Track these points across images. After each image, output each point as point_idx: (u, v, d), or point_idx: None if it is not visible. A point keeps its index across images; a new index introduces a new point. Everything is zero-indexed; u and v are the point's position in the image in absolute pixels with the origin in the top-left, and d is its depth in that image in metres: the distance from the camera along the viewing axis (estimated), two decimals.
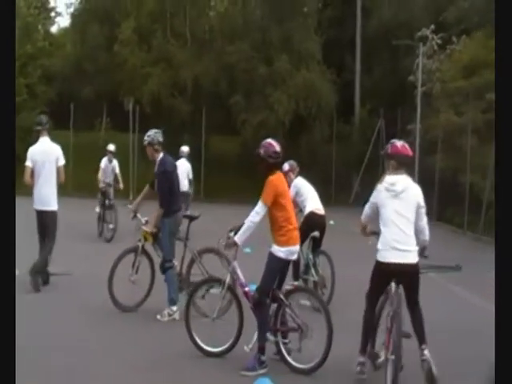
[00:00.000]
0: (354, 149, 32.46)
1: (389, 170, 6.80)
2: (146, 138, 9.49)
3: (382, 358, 6.60)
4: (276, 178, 7.11)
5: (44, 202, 10.79)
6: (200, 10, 34.57)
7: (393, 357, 6.16)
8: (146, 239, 9.41)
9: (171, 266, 9.16)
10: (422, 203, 6.66)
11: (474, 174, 20.28)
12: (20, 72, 31.87)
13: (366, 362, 6.80)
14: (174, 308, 9.04)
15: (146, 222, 9.40)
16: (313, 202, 10.26)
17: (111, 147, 17.15)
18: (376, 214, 6.74)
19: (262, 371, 6.86)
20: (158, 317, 8.99)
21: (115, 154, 17.18)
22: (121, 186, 17.12)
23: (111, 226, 15.97)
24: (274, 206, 7.02)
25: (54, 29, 43.87)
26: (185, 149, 18.59)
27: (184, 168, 17.36)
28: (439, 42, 27.27)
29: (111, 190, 16.83)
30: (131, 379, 6.77)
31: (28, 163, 10.70)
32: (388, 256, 6.44)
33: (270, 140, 7.38)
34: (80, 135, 31.80)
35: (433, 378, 6.42)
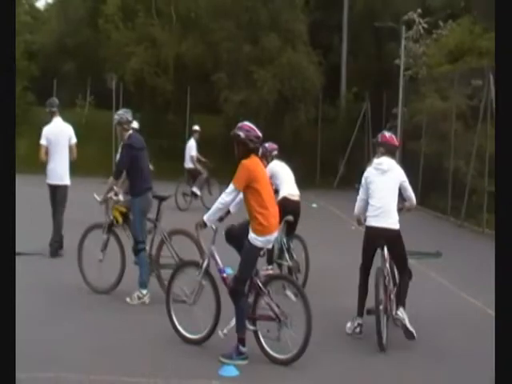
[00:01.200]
0: (339, 131, 32.36)
1: (377, 155, 8.32)
2: (115, 117, 9.61)
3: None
4: (250, 162, 6.91)
5: (59, 177, 11.91)
6: None
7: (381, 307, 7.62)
8: (116, 220, 9.32)
9: (143, 247, 9.06)
10: (405, 178, 8.09)
11: (458, 160, 20.29)
12: None
13: (362, 324, 8.04)
14: (144, 291, 9.00)
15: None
16: (287, 187, 10.19)
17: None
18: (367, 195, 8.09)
19: (240, 362, 6.75)
20: (128, 300, 8.95)
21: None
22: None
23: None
24: (248, 191, 6.85)
25: (39, 4, 43.34)
26: (193, 127, 20.11)
27: (188, 146, 19.47)
28: (425, 26, 27.15)
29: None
30: (98, 363, 6.73)
31: (43, 142, 11.84)
32: (374, 222, 7.86)
33: (248, 123, 7.17)
34: (63, 112, 31.14)
35: (409, 332, 7.53)
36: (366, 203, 8.05)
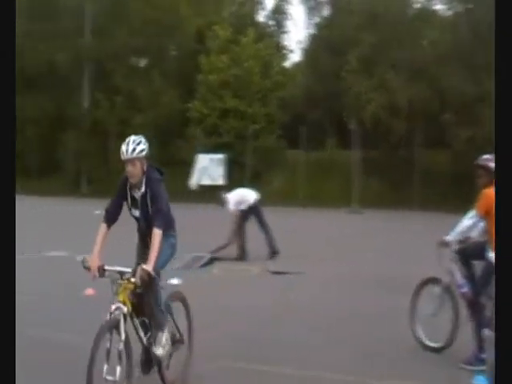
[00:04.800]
0: None
1: None
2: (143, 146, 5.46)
3: None
4: (491, 192, 6.54)
5: None
6: (414, 40, 33.95)
7: None
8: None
9: None
10: None
11: None
12: (262, 103, 33.28)
13: None
14: None
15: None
16: None
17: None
18: None
19: (480, 367, 6.33)
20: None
21: None
22: None
23: None
24: (489, 217, 6.53)
25: (287, 64, 45.13)
26: None
27: None
28: None
29: None
30: (338, 363, 6.83)
31: None
32: None
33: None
34: (310, 154, 32.63)
35: None
36: None
